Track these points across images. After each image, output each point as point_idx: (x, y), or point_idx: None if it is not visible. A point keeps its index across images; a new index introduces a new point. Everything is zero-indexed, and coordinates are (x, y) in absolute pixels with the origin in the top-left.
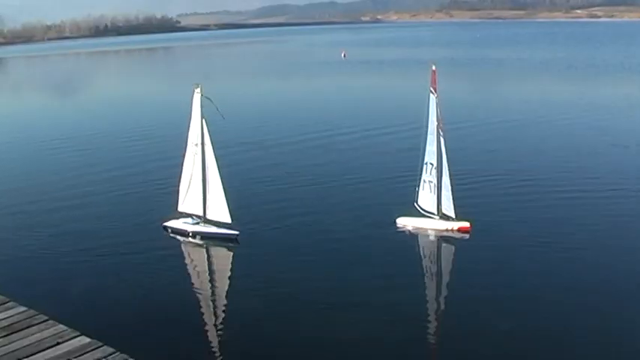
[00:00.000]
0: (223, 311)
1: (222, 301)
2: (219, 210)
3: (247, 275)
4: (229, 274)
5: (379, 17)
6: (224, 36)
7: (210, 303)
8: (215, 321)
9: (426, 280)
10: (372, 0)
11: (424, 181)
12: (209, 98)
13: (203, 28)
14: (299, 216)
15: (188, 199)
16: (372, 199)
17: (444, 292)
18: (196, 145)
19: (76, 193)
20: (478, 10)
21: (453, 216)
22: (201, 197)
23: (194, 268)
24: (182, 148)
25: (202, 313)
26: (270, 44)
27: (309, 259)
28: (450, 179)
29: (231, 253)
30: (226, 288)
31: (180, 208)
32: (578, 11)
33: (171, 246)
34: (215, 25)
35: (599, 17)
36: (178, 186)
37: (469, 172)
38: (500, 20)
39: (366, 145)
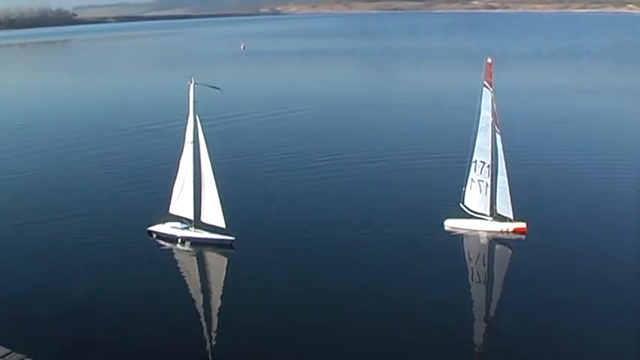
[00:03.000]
0: (211, 329)
1: (212, 316)
2: (213, 214)
3: (244, 286)
4: (222, 285)
5: (278, 9)
6: (123, 29)
7: (199, 318)
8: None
9: (480, 287)
10: None
11: (472, 180)
12: (196, 82)
13: (101, 21)
14: (314, 220)
15: (179, 202)
16: (414, 201)
17: (500, 300)
18: (191, 142)
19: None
20: (377, 1)
21: (511, 217)
22: (192, 200)
23: (181, 278)
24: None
25: (183, 329)
26: (170, 37)
27: (327, 270)
28: (508, 178)
29: (226, 261)
30: (219, 302)
31: (172, 211)
32: (475, 2)
33: (155, 252)
34: (113, 18)
35: (496, 8)
36: (171, 188)
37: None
38: (399, 11)
39: (395, 142)
